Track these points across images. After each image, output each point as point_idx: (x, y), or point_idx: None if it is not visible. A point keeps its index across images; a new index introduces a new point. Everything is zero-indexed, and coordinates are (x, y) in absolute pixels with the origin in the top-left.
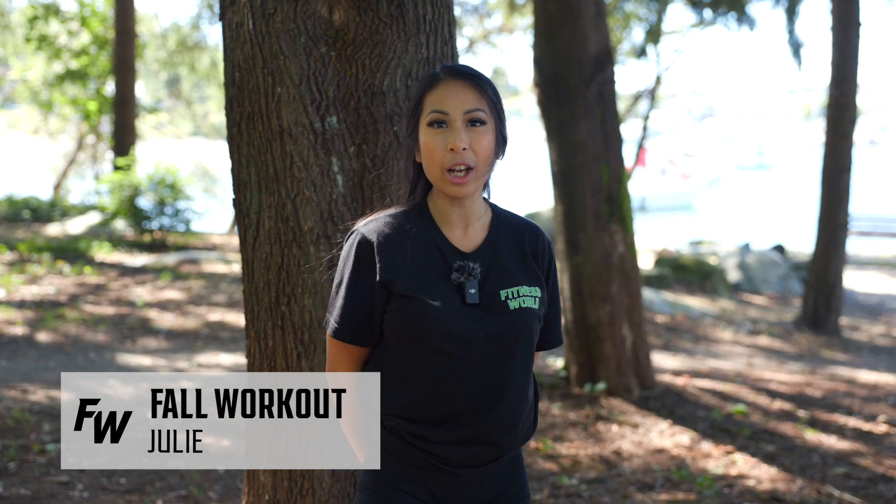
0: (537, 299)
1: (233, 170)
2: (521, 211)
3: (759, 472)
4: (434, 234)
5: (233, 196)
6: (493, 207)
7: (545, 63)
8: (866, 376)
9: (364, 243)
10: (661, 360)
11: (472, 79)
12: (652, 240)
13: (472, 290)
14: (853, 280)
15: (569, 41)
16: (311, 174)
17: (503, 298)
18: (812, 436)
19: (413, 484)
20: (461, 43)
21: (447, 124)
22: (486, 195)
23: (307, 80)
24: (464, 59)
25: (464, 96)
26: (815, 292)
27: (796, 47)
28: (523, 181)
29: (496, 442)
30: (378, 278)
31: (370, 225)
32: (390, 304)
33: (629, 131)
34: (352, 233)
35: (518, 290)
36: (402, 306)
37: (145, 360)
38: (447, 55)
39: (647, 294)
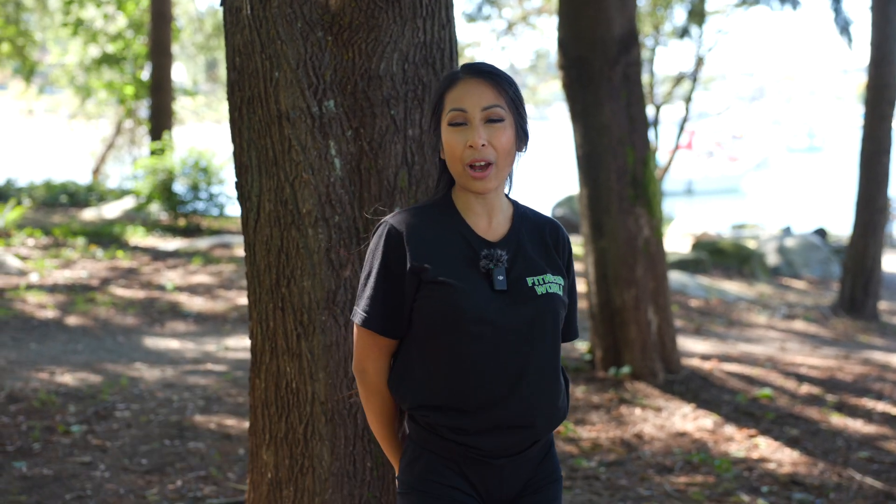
0: (561, 286)
1: (234, 153)
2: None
3: (780, 456)
4: (460, 225)
5: (235, 179)
6: (514, 203)
7: (569, 45)
8: None
9: (393, 233)
10: (692, 345)
11: (490, 76)
12: (696, 223)
13: (501, 277)
14: (894, 264)
15: (593, 22)
16: (309, 158)
17: (530, 285)
18: (838, 420)
19: (454, 477)
20: (499, 25)
21: (466, 122)
22: (507, 190)
23: (304, 64)
24: (503, 42)
25: (481, 94)
26: (853, 276)
27: (844, 26)
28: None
29: (531, 425)
30: (409, 266)
31: (397, 217)
32: (421, 292)
33: (672, 113)
34: (380, 225)
35: (544, 278)
36: (433, 293)
37: (173, 344)
38: (444, 39)
39: (682, 278)
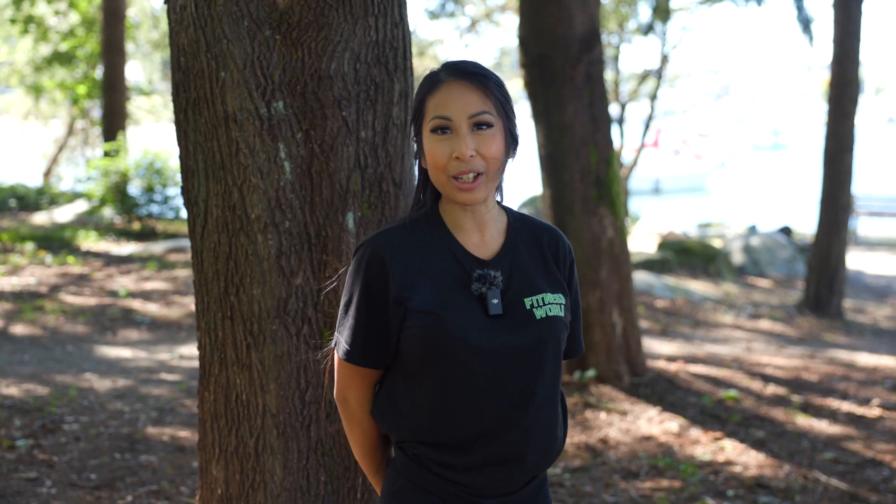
0: (562, 306)
1: (180, 157)
2: (522, 197)
3: (746, 459)
4: (449, 243)
5: (181, 184)
6: (508, 211)
7: (531, 43)
8: (866, 359)
9: (375, 258)
10: (658, 346)
11: (476, 79)
12: (663, 222)
13: (496, 301)
14: (862, 262)
15: (554, 20)
16: (258, 161)
17: (528, 307)
18: (803, 421)
19: None
20: (463, 22)
21: (451, 130)
22: (498, 198)
23: (252, 64)
24: (466, 39)
25: (467, 99)
26: (818, 275)
27: (806, 23)
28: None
29: (526, 460)
30: (392, 294)
31: (380, 238)
32: (407, 322)
33: (637, 111)
34: (360, 246)
35: (543, 298)
36: (420, 322)
37: (125, 352)
38: (398, 38)
39: (648, 278)
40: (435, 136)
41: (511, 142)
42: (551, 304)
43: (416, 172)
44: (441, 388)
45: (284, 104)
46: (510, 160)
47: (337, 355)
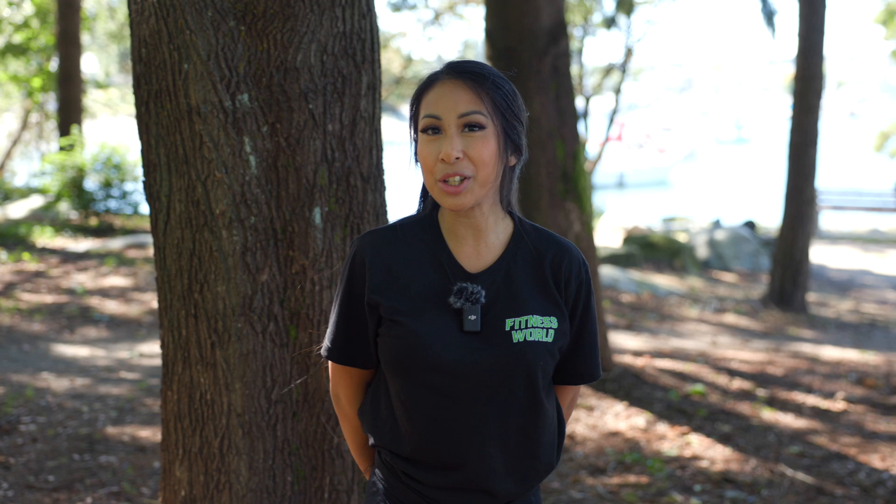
0: (551, 331)
1: (142, 151)
2: None
3: (713, 453)
4: (440, 251)
5: (143, 178)
6: (516, 221)
7: (497, 36)
8: (830, 353)
9: (358, 257)
10: (624, 341)
11: (470, 77)
12: (627, 217)
13: (473, 317)
14: (825, 255)
15: (521, 13)
16: (222, 155)
17: (507, 328)
18: (769, 415)
19: None
20: (426, 14)
21: (441, 130)
22: (509, 209)
23: (216, 56)
24: (429, 32)
25: (458, 98)
26: (782, 269)
27: (769, 15)
28: None
29: (491, 491)
30: (366, 297)
31: (369, 237)
32: (380, 327)
33: (602, 105)
34: (353, 243)
35: (527, 321)
36: (389, 331)
37: (84, 351)
38: (365, 29)
39: (614, 273)
40: (425, 137)
41: (510, 146)
42: (535, 328)
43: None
44: (408, 403)
45: (249, 97)
46: (517, 166)
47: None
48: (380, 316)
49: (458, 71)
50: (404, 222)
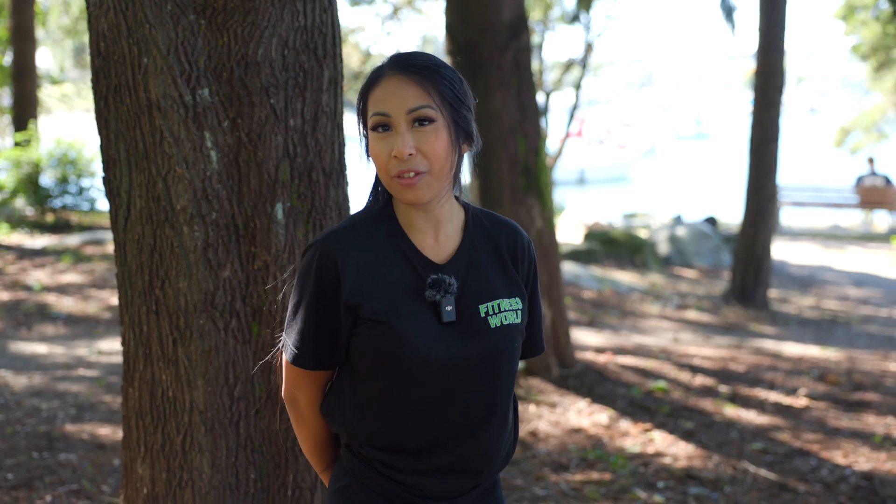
0: (518, 312)
1: (101, 146)
2: None
3: (676, 450)
4: (403, 245)
5: (102, 174)
6: (466, 207)
7: (457, 30)
8: (792, 349)
9: (326, 260)
10: (586, 338)
11: (416, 71)
12: (588, 213)
13: (449, 308)
14: (785, 252)
15: (481, 6)
16: (183, 150)
17: (483, 315)
18: (731, 411)
19: None
20: (384, 9)
21: (391, 127)
22: (456, 192)
23: (175, 50)
24: (388, 27)
25: (405, 93)
26: (744, 265)
27: (728, 11)
28: None
29: (476, 470)
30: (343, 299)
31: (331, 239)
32: (357, 328)
33: (562, 101)
34: (311, 246)
35: (499, 305)
36: (370, 331)
37: (41, 348)
38: (327, 23)
39: (575, 269)
40: (376, 135)
41: (461, 135)
42: (507, 312)
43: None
44: (391, 398)
45: (210, 91)
46: (468, 153)
47: (285, 359)
48: (356, 317)
49: (403, 65)
50: (360, 217)
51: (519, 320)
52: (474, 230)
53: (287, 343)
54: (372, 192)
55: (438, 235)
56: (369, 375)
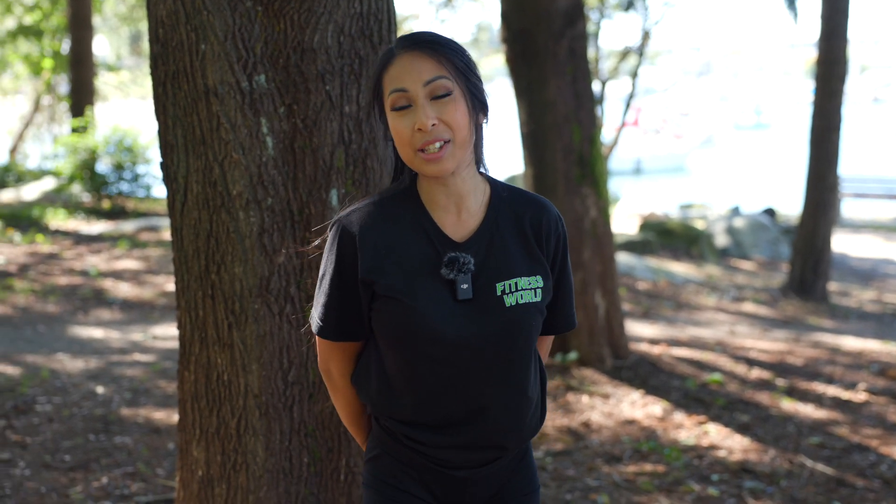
0: (538, 290)
1: (159, 132)
2: (502, 176)
3: (731, 443)
4: (424, 222)
5: (160, 160)
6: (492, 183)
7: (513, 18)
8: (851, 343)
9: (346, 236)
10: (640, 329)
11: (427, 46)
12: (644, 203)
13: (465, 286)
14: (847, 244)
15: None
16: (239, 136)
17: (499, 293)
18: (788, 405)
19: (411, 482)
20: None
21: (410, 103)
22: (482, 170)
23: (233, 36)
24: (442, 14)
25: (420, 68)
26: (803, 257)
27: None
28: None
29: (497, 445)
30: (360, 275)
31: (353, 215)
32: (374, 303)
33: (618, 89)
34: (335, 222)
35: (516, 283)
36: (385, 307)
37: (98, 333)
38: (382, 10)
39: (629, 260)
40: (396, 113)
41: (478, 105)
42: (524, 290)
43: (391, 152)
44: (407, 372)
45: (266, 77)
46: (484, 124)
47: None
48: (372, 293)
49: (413, 42)
50: (384, 196)
51: (539, 299)
52: (498, 206)
53: (313, 315)
54: (395, 172)
55: (461, 212)
56: (388, 349)
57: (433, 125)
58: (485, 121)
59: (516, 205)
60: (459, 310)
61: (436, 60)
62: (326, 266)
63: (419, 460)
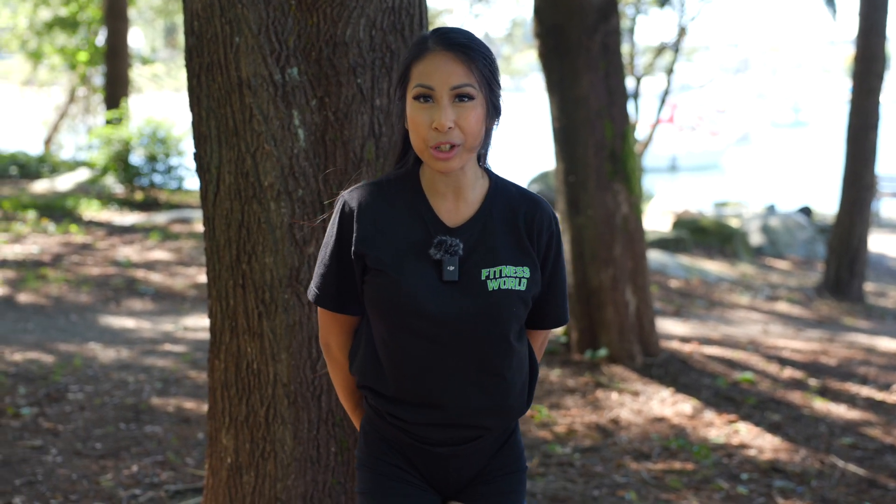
0: (524, 280)
1: (193, 123)
2: (533, 172)
3: (761, 442)
4: (421, 206)
5: (193, 150)
6: (492, 177)
7: (546, 13)
8: (887, 344)
9: (346, 210)
10: (671, 327)
11: (462, 51)
12: (678, 201)
13: (451, 268)
14: (884, 244)
15: None
16: (272, 128)
17: (483, 278)
18: (821, 405)
19: (399, 459)
20: None
21: (433, 99)
22: (485, 165)
23: (266, 29)
24: (476, 9)
25: (451, 70)
26: (839, 257)
27: None
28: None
29: (475, 425)
30: (353, 248)
31: (355, 192)
32: (366, 276)
33: (653, 86)
34: (339, 198)
35: (501, 270)
36: (374, 279)
37: (129, 323)
38: (414, 4)
39: (662, 257)
40: (417, 104)
41: (493, 112)
42: (508, 277)
43: (398, 137)
44: (391, 344)
45: (299, 70)
46: (494, 129)
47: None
48: (363, 266)
49: (448, 42)
50: (388, 178)
51: (522, 288)
52: (494, 198)
53: (311, 285)
54: (401, 155)
55: (458, 201)
56: (375, 322)
57: (449, 128)
58: (496, 126)
59: (512, 199)
60: (444, 290)
61: (467, 67)
62: (328, 239)
63: (404, 438)
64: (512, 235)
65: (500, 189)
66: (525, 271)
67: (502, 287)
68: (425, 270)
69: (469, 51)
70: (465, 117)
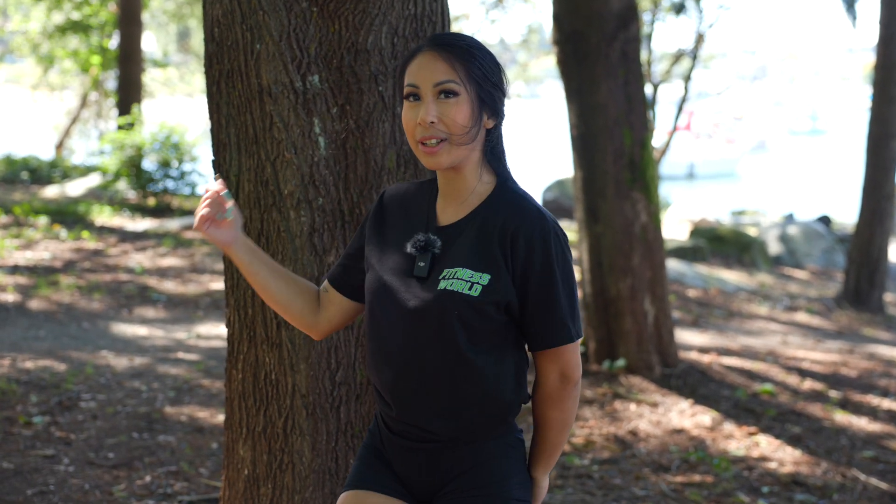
0: (478, 286)
1: (212, 130)
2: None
3: (782, 455)
4: (429, 205)
5: (212, 157)
6: (501, 185)
7: (565, 19)
8: None
9: (378, 202)
10: (689, 337)
11: (445, 48)
12: (694, 209)
13: (422, 264)
14: None
15: None
16: (292, 136)
17: (438, 277)
18: (842, 417)
19: (379, 450)
20: None
21: (419, 97)
22: (501, 170)
23: (287, 36)
24: (493, 15)
25: (434, 67)
26: (858, 267)
27: (850, 2)
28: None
29: (421, 427)
30: (366, 236)
31: (391, 189)
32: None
33: (670, 93)
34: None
35: (456, 272)
36: (368, 268)
37: (142, 330)
38: (436, 11)
39: (679, 266)
40: (407, 103)
41: (490, 112)
42: (460, 280)
43: None
44: (368, 334)
45: (320, 78)
46: (497, 128)
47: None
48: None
49: (437, 43)
50: (421, 181)
51: (474, 293)
52: (489, 206)
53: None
54: None
55: (457, 201)
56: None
57: (432, 122)
58: (497, 125)
59: (503, 207)
60: (412, 284)
61: (449, 64)
62: (362, 224)
63: (382, 429)
64: (483, 242)
65: (499, 195)
66: (483, 278)
67: (448, 288)
68: (402, 265)
69: (452, 49)
70: (448, 113)
